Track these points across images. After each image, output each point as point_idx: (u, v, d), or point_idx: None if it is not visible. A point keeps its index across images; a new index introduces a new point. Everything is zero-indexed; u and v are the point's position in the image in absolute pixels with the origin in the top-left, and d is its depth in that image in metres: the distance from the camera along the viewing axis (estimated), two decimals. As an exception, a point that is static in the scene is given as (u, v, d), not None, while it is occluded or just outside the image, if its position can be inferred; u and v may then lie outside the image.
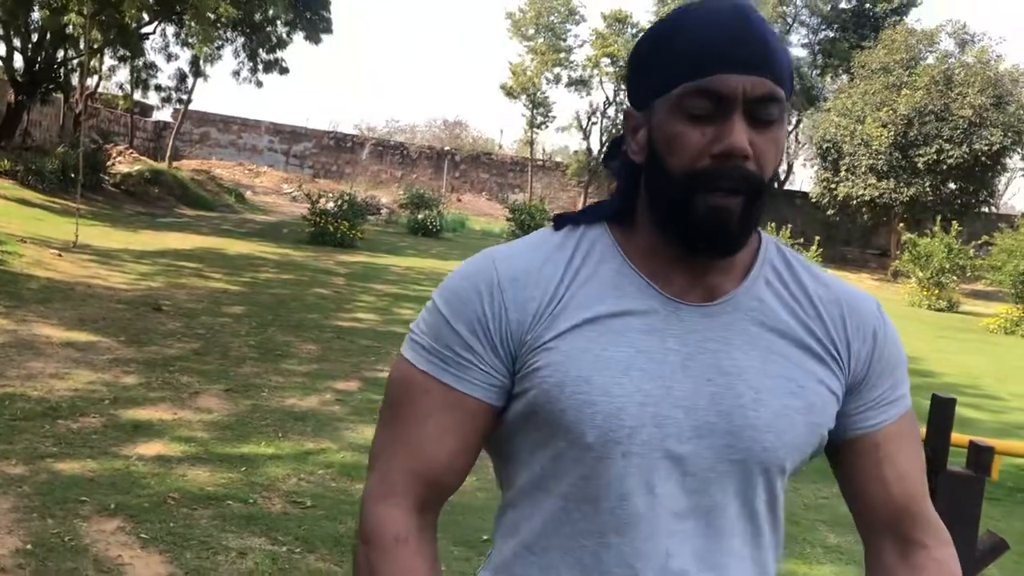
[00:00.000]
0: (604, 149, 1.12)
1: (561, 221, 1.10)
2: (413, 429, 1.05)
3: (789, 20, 36.92)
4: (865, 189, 28.90)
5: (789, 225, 24.55)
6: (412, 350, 1.07)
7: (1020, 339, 17.14)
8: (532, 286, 1.03)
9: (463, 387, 1.04)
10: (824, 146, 30.26)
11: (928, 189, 28.29)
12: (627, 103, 1.09)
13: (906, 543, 1.12)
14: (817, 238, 21.64)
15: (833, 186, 30.06)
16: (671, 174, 1.00)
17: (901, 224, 27.41)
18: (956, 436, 2.29)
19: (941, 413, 2.00)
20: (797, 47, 37.25)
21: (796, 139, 36.21)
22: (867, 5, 35.67)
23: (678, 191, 0.99)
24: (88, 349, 6.81)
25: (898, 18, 33.59)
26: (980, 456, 2.22)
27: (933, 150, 27.98)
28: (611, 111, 37.04)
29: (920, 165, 28.15)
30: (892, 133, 28.24)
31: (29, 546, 3.48)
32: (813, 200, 31.41)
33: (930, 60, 30.10)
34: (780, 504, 1.08)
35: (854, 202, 29.43)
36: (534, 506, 1.06)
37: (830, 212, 30.44)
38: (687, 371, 1.02)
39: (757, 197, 0.99)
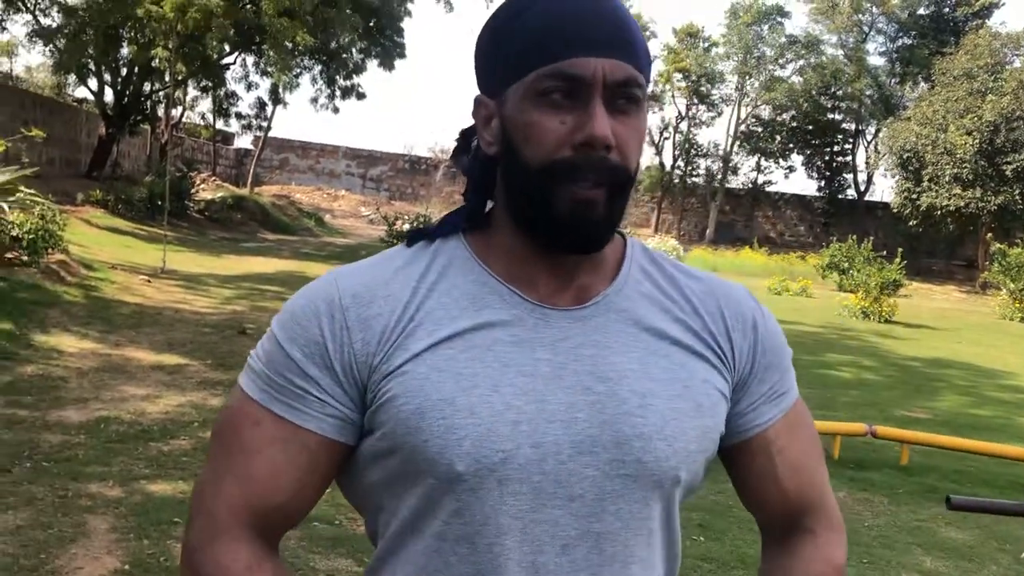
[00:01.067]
0: (456, 142, 1.06)
1: (415, 237, 1.01)
2: (241, 464, 0.93)
3: (866, 29, 36.23)
4: (950, 199, 28.07)
5: (871, 237, 23.93)
6: (246, 377, 0.96)
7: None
8: (380, 301, 0.93)
9: (298, 419, 0.92)
10: (905, 156, 29.50)
11: (1018, 197, 27.35)
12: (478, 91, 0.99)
13: (795, 531, 1.07)
14: (900, 250, 20.97)
15: (915, 196, 29.27)
16: (528, 167, 0.91)
17: (989, 234, 26.49)
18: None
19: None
20: (875, 55, 36.60)
21: (876, 149, 35.40)
22: (946, 10, 34.80)
23: (537, 184, 0.91)
24: (177, 372, 7.01)
25: (980, 22, 32.68)
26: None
27: (1022, 156, 27.04)
28: (683, 126, 36.85)
29: (1008, 173, 27.23)
30: (977, 140, 27.40)
31: (127, 567, 3.59)
32: (894, 211, 30.63)
33: (1017, 64, 29.17)
34: (676, 519, 1.00)
35: (938, 212, 28.60)
36: (406, 552, 0.94)
37: (912, 223, 29.63)
38: (561, 381, 0.92)
39: (621, 190, 0.92)
